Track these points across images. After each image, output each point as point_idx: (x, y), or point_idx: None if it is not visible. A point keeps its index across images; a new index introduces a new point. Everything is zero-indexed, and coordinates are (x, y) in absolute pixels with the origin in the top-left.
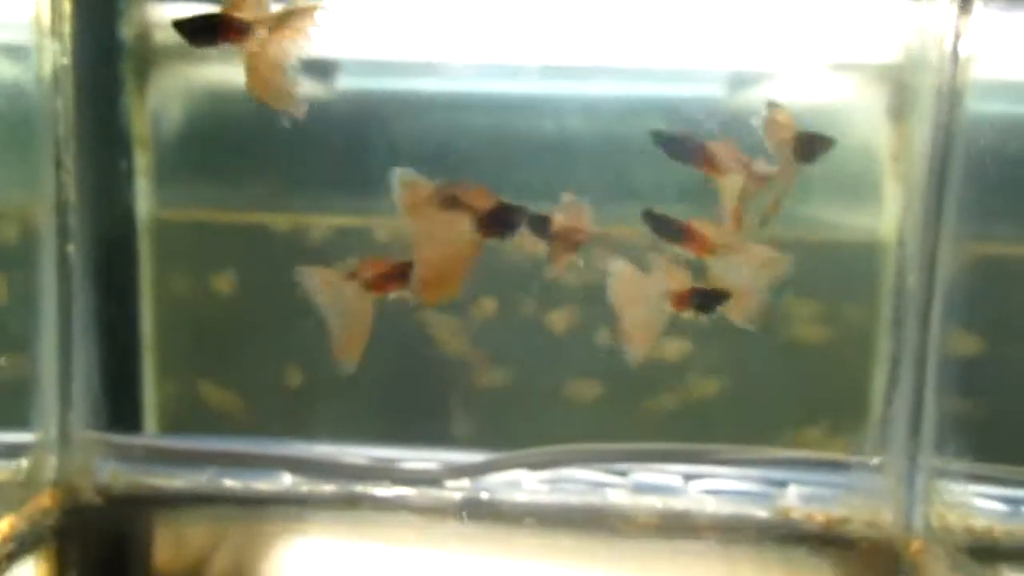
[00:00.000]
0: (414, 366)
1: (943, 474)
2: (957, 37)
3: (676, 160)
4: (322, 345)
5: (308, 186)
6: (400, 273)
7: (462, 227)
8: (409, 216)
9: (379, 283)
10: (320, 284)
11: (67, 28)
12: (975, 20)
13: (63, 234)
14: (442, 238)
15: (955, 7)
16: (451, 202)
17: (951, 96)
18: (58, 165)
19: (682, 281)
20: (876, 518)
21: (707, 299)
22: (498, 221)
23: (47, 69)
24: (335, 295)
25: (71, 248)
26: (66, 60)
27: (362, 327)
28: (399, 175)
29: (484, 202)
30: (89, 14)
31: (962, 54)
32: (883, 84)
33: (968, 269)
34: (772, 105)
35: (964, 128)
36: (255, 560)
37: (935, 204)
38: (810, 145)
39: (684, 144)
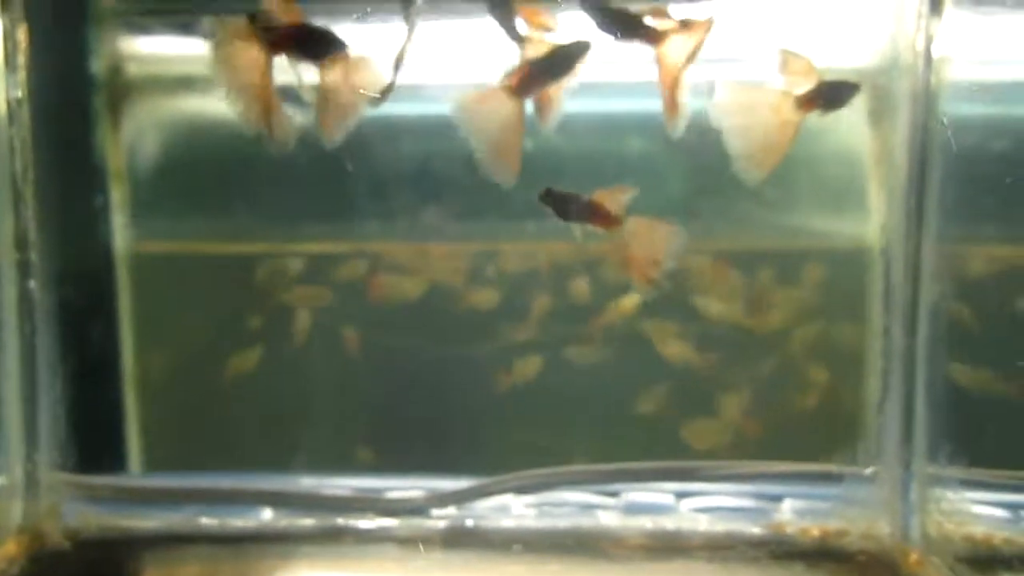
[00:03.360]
0: (398, 393)
1: (938, 482)
2: (929, 39)
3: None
4: (302, 376)
5: (287, 214)
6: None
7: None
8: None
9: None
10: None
11: (21, 59)
12: (946, 21)
13: (24, 270)
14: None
15: (926, 8)
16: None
17: (926, 98)
18: (16, 200)
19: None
20: (873, 530)
21: (836, 91)
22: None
23: (1, 104)
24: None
25: (32, 284)
26: (20, 93)
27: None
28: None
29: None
30: (51, 47)
31: (935, 55)
32: (863, 88)
33: (953, 271)
34: (786, 53)
35: (940, 131)
36: None
37: (916, 208)
38: (837, 92)
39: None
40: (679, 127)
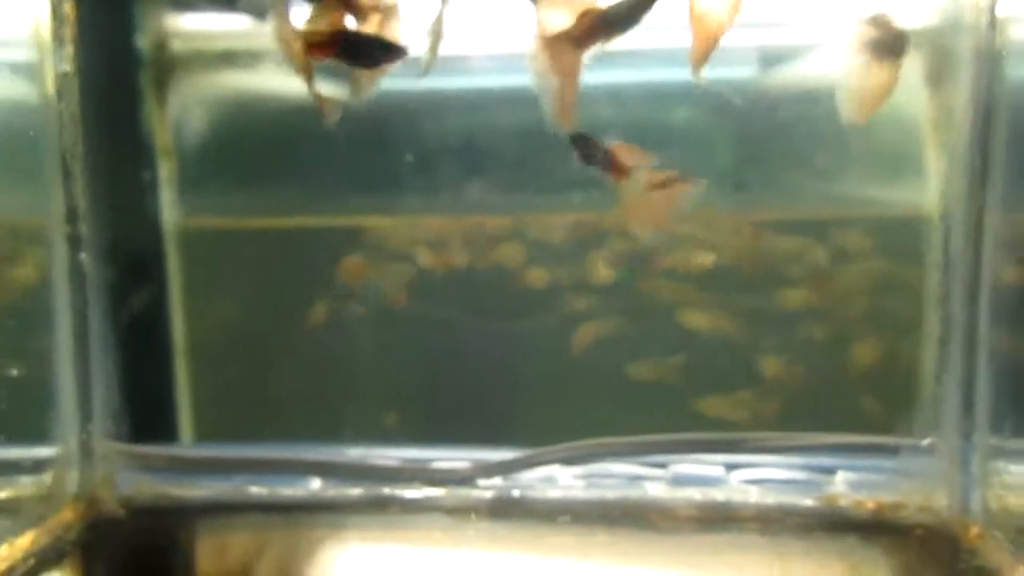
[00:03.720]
0: (443, 365)
1: (1000, 453)
2: None
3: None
4: (352, 347)
5: (335, 188)
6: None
7: None
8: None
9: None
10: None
11: (69, 35)
12: None
13: (75, 244)
14: None
15: None
16: None
17: (990, 59)
18: (66, 175)
19: None
20: (930, 502)
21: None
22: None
23: (50, 80)
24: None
25: (83, 257)
26: (68, 68)
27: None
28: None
29: None
30: (98, 24)
31: (999, 15)
32: (920, 50)
33: (1016, 238)
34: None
35: (1006, 92)
36: (285, 567)
37: (979, 173)
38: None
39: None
40: (700, 74)
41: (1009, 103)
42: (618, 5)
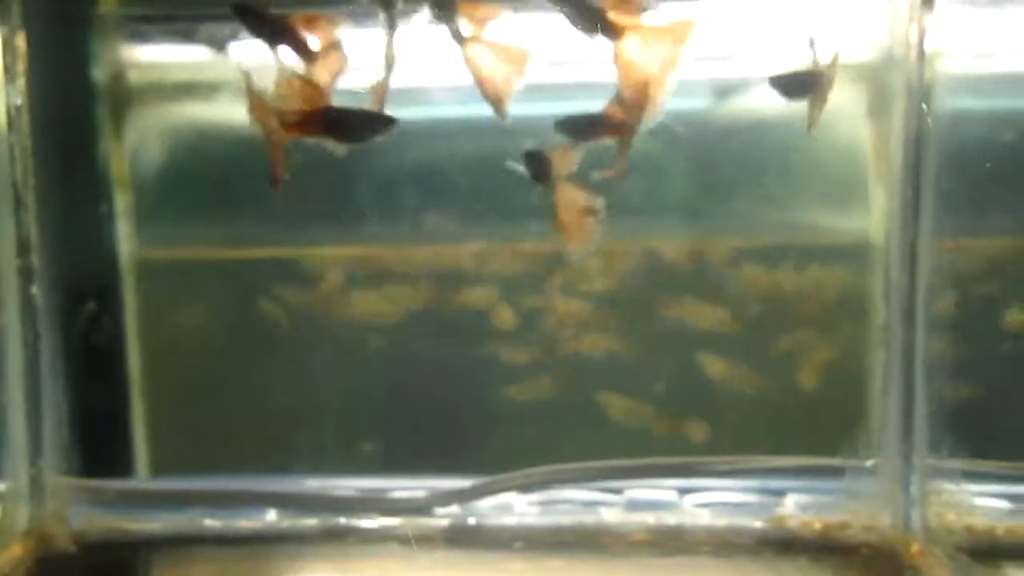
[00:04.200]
0: (398, 393)
1: (939, 473)
2: (922, 32)
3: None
4: (305, 377)
5: (291, 219)
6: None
7: None
8: None
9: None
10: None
11: (21, 68)
12: (939, 15)
13: (26, 276)
14: None
15: (918, 1)
16: None
17: (920, 92)
18: (17, 205)
19: None
20: (874, 522)
21: None
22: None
23: (1, 111)
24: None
25: (34, 290)
26: (20, 100)
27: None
28: None
29: None
30: (52, 55)
31: (928, 49)
32: (862, 84)
33: (949, 265)
34: None
35: (936, 124)
36: None
37: (912, 201)
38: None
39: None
40: (646, 126)
41: (939, 136)
42: (343, 111)
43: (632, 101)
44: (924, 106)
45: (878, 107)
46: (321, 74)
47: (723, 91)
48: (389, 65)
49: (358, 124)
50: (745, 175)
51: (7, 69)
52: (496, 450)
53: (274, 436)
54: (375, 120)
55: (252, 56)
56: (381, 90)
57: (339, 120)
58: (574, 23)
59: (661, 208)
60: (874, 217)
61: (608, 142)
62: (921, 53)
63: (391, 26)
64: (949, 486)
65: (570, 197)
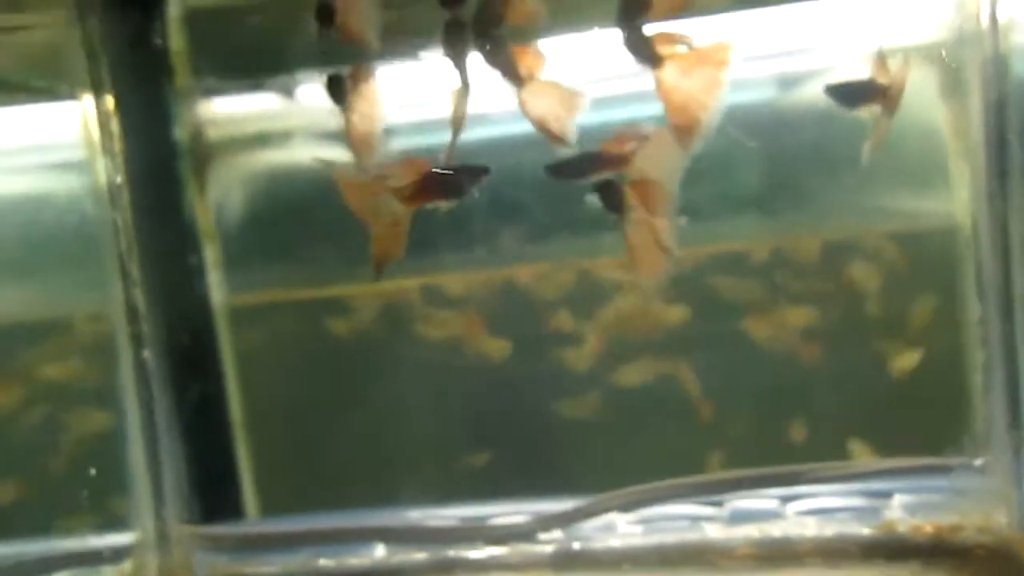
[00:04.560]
0: (494, 419)
1: None
2: (994, 4)
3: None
4: (404, 410)
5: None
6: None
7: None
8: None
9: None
10: None
11: (118, 146)
12: None
13: (137, 341)
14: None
15: None
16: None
17: (996, 65)
18: (124, 276)
19: None
20: (988, 522)
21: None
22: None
23: (102, 183)
24: None
25: (147, 354)
26: (120, 178)
27: None
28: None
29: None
30: (140, 125)
31: (1001, 20)
32: (932, 64)
33: None
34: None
35: (1016, 96)
36: None
37: (998, 181)
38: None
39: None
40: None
41: (1019, 107)
42: (446, 172)
43: (681, 127)
44: (1003, 78)
45: (951, 86)
46: (364, 124)
47: (789, 83)
48: (458, 121)
49: (462, 180)
50: (817, 166)
51: (104, 147)
52: (587, 469)
53: (374, 469)
54: (474, 172)
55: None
56: (452, 148)
57: (445, 181)
58: (627, 47)
59: (730, 210)
60: (958, 199)
61: None
62: (995, 25)
63: (465, 85)
64: None
65: (644, 230)
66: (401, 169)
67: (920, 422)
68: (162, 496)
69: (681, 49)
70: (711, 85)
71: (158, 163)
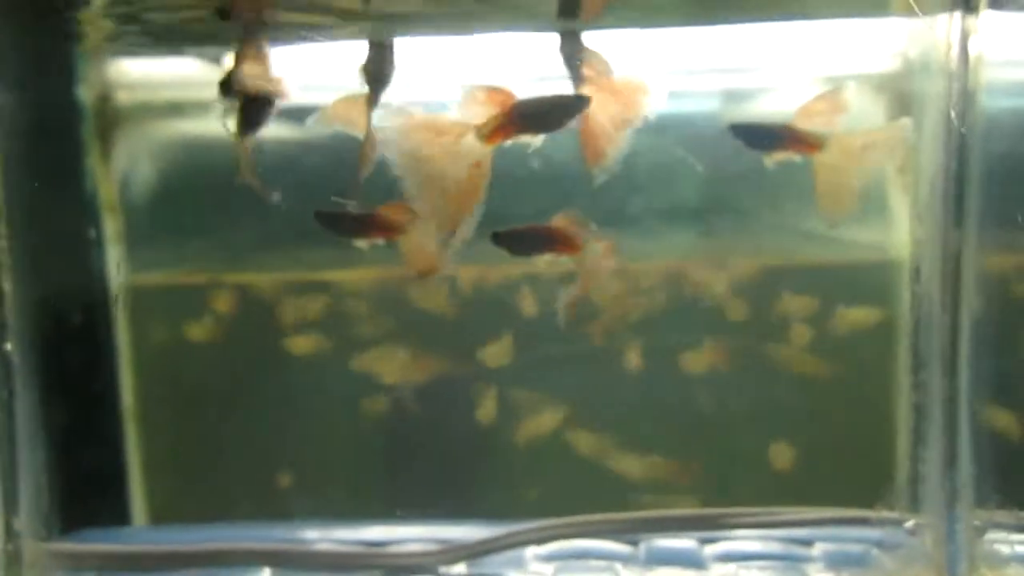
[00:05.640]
0: (402, 439)
1: (988, 529)
2: (965, 37)
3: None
4: (305, 411)
5: (289, 239)
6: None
7: None
8: None
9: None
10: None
11: None
12: (982, 19)
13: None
14: None
15: (959, 6)
16: None
17: (962, 98)
18: None
19: None
20: None
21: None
22: None
23: None
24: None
25: (8, 346)
26: None
27: None
28: None
29: None
30: (34, 77)
31: (971, 54)
32: (881, 94)
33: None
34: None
35: (979, 131)
36: None
37: (953, 217)
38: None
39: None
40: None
41: (982, 143)
42: (534, 103)
43: (589, 152)
44: (958, 114)
45: (900, 117)
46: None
47: (734, 97)
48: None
49: (553, 111)
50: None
51: None
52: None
53: (272, 481)
54: (569, 103)
55: None
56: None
57: (533, 113)
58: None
59: (668, 219)
60: (898, 233)
61: None
62: (964, 57)
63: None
64: (1000, 544)
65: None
66: (486, 102)
67: (844, 465)
68: (16, 507)
69: (604, 75)
70: (621, 121)
71: (53, 122)
